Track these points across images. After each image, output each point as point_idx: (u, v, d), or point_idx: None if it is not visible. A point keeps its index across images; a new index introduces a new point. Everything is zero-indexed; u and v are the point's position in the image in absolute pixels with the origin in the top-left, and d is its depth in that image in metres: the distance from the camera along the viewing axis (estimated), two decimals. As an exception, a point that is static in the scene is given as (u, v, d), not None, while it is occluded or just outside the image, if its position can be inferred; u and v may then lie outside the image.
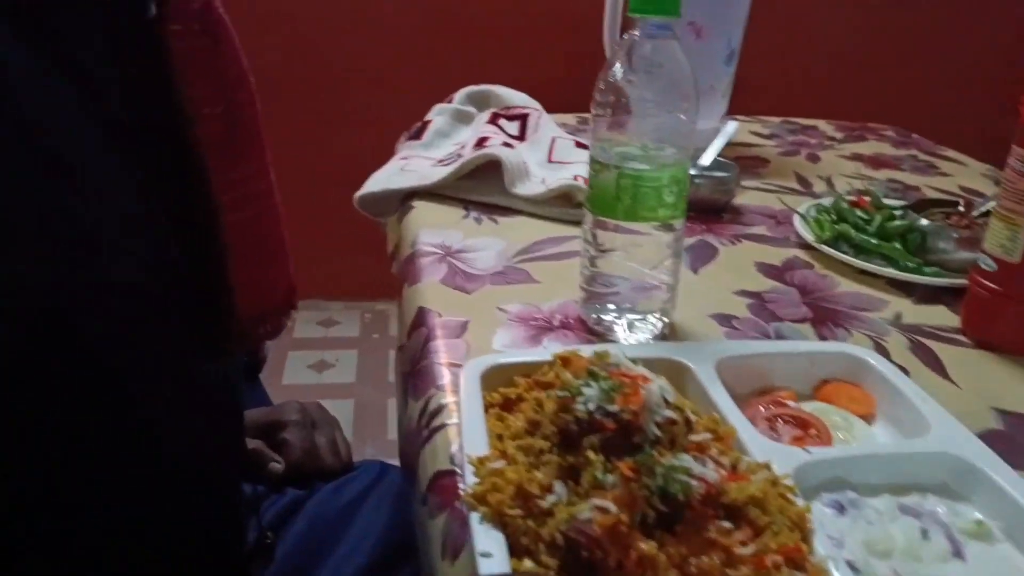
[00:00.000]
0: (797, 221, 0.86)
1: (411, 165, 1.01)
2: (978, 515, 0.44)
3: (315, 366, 2.34)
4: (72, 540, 0.47)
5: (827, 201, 0.90)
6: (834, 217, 0.86)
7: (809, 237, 0.83)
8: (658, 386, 0.42)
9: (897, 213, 0.83)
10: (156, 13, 0.47)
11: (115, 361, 0.45)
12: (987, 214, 0.82)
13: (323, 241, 2.52)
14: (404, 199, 0.97)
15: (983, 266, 0.65)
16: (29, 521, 0.44)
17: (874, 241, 0.79)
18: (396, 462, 0.73)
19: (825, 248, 0.80)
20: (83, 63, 0.43)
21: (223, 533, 0.60)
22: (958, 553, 0.42)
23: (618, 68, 0.60)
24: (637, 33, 0.59)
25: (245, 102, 0.56)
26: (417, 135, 1.08)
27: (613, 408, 0.41)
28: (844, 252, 0.80)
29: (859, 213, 0.85)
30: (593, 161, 0.62)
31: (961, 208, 0.84)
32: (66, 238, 0.42)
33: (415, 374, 0.63)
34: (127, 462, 0.48)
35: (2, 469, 0.42)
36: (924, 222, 0.80)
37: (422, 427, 0.57)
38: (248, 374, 0.89)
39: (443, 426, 0.55)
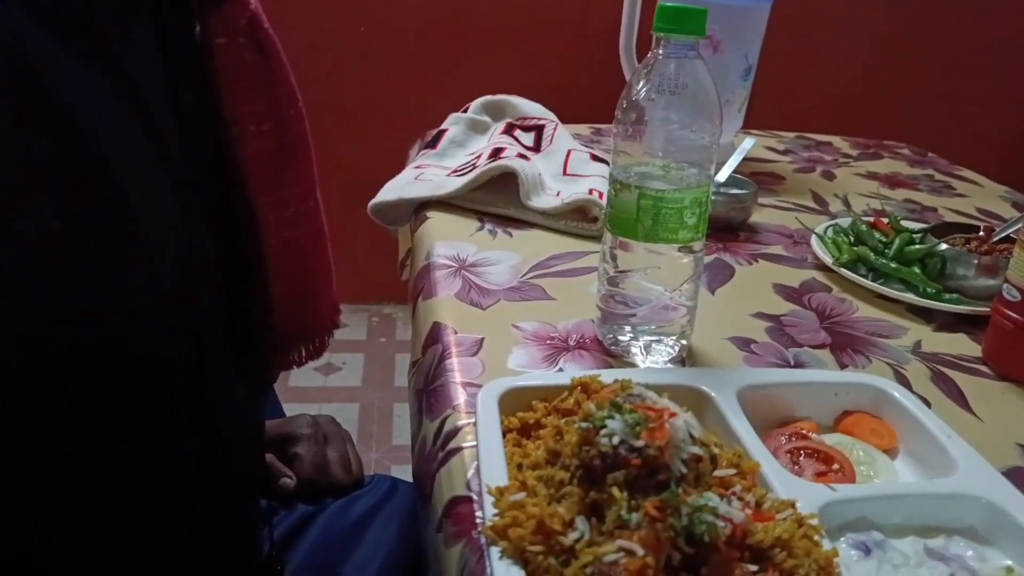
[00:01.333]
0: (815, 242, 0.85)
1: (426, 174, 1.00)
2: (1008, 562, 0.43)
3: (321, 369, 2.33)
4: (91, 546, 0.46)
5: (844, 222, 0.89)
6: (852, 239, 0.85)
7: (827, 259, 0.82)
8: (684, 421, 0.42)
9: (916, 236, 0.82)
10: (201, 27, 0.47)
11: (164, 368, 0.45)
12: (1007, 239, 0.81)
13: (332, 245, 2.51)
14: (418, 209, 0.96)
15: (1007, 296, 0.64)
16: (50, 524, 0.44)
17: (893, 265, 0.78)
18: (403, 468, 0.72)
19: (843, 271, 0.79)
20: (131, 76, 0.43)
21: (238, 545, 0.59)
22: (987, 600, 0.41)
23: (641, 87, 0.59)
24: (661, 52, 0.58)
25: (294, 119, 0.56)
26: (432, 144, 1.07)
27: (638, 443, 0.40)
28: (862, 275, 0.79)
29: (878, 235, 0.84)
30: (614, 180, 0.61)
31: (982, 233, 0.83)
32: (123, 255, 0.42)
33: (430, 393, 0.62)
34: (156, 470, 0.47)
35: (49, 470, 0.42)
36: (944, 247, 0.79)
37: (437, 449, 0.56)
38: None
39: (459, 449, 0.54)
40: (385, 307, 2.63)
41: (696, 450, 0.41)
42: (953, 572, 0.42)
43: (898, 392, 0.55)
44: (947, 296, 0.75)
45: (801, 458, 0.50)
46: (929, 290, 0.76)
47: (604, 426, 0.42)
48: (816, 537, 0.41)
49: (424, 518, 0.56)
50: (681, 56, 0.58)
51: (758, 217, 0.98)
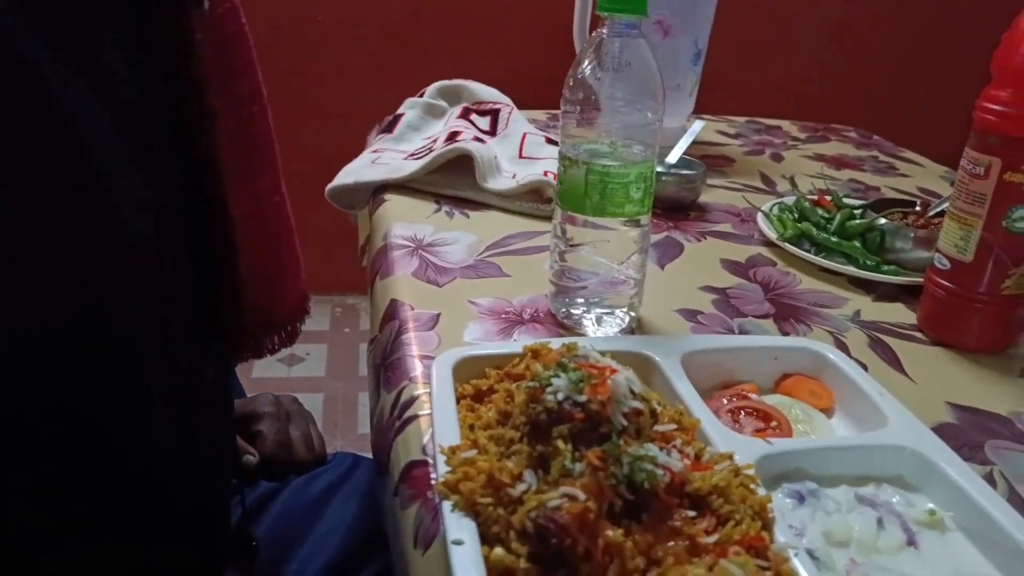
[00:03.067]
0: (761, 219, 0.88)
1: (383, 158, 1.01)
2: (931, 505, 0.46)
3: (285, 359, 2.33)
4: (62, 521, 0.47)
5: (790, 200, 0.92)
6: (796, 216, 0.88)
7: (772, 235, 0.84)
8: (625, 377, 0.43)
9: (857, 212, 0.85)
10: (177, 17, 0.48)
11: (135, 343, 0.46)
12: (943, 214, 0.85)
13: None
14: (375, 192, 0.97)
15: (938, 265, 0.68)
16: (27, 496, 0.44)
17: (835, 240, 0.81)
18: (368, 456, 0.73)
19: (787, 246, 0.82)
20: (101, 61, 0.43)
21: (210, 520, 0.60)
22: (912, 542, 0.44)
23: (587, 65, 0.61)
24: (605, 31, 0.60)
25: (258, 115, 0.57)
26: (388, 129, 1.08)
27: (581, 398, 0.42)
28: (806, 250, 0.82)
29: (820, 212, 0.87)
30: (563, 157, 0.63)
31: (918, 208, 0.86)
32: (97, 231, 0.43)
33: (387, 367, 0.63)
34: (130, 447, 0.48)
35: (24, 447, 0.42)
36: (883, 221, 0.82)
37: (394, 418, 0.57)
38: None
39: (415, 417, 0.55)
40: (348, 297, 2.62)
41: (637, 404, 0.43)
42: (881, 516, 0.45)
43: (834, 355, 0.58)
44: (886, 268, 0.79)
45: (741, 416, 0.53)
46: (869, 262, 0.79)
47: (550, 384, 0.43)
48: (752, 485, 0.43)
49: (382, 487, 0.57)
50: (624, 35, 0.60)
51: (708, 197, 1.00)
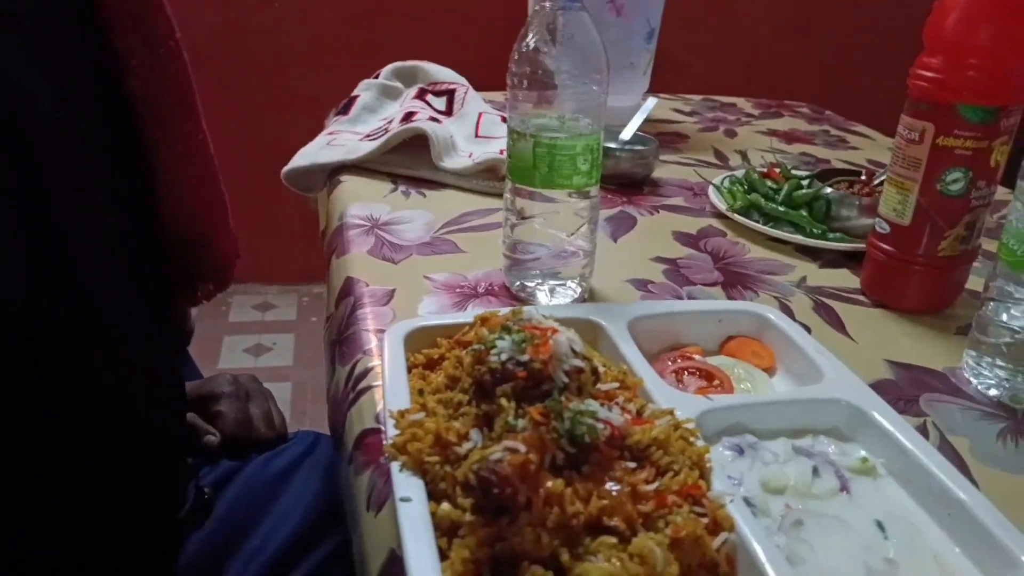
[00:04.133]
0: (711, 192, 0.90)
1: (338, 140, 1.01)
2: (864, 453, 0.48)
3: (251, 350, 2.32)
4: (14, 505, 0.47)
5: (740, 173, 0.94)
6: (746, 187, 0.90)
7: (722, 206, 0.86)
8: (566, 337, 0.45)
9: (804, 183, 0.87)
10: None
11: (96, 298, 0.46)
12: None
13: (259, 225, 2.48)
14: (331, 174, 0.97)
15: (879, 229, 0.70)
16: None
17: (782, 209, 0.83)
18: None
19: (737, 216, 0.84)
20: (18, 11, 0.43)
21: (163, 501, 0.60)
22: (845, 488, 0.46)
23: (531, 39, 0.62)
24: (548, 4, 0.61)
25: (174, 52, 0.56)
26: (344, 110, 1.08)
27: (524, 358, 0.43)
28: (755, 220, 0.84)
29: (769, 183, 0.89)
30: (511, 131, 0.64)
31: (863, 177, 0.88)
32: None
33: (342, 342, 0.64)
34: (80, 423, 0.48)
35: None
36: (829, 191, 0.84)
37: (348, 391, 0.58)
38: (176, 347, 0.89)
39: (369, 388, 0.56)
40: (315, 287, 2.61)
41: (578, 363, 0.44)
42: (816, 465, 0.47)
43: (775, 316, 0.60)
44: (831, 235, 0.81)
45: (685, 376, 0.55)
46: (815, 231, 0.81)
47: (494, 346, 0.45)
48: (691, 438, 0.45)
49: (338, 458, 0.58)
50: (567, 8, 0.61)
51: (661, 172, 1.02)
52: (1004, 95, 0.62)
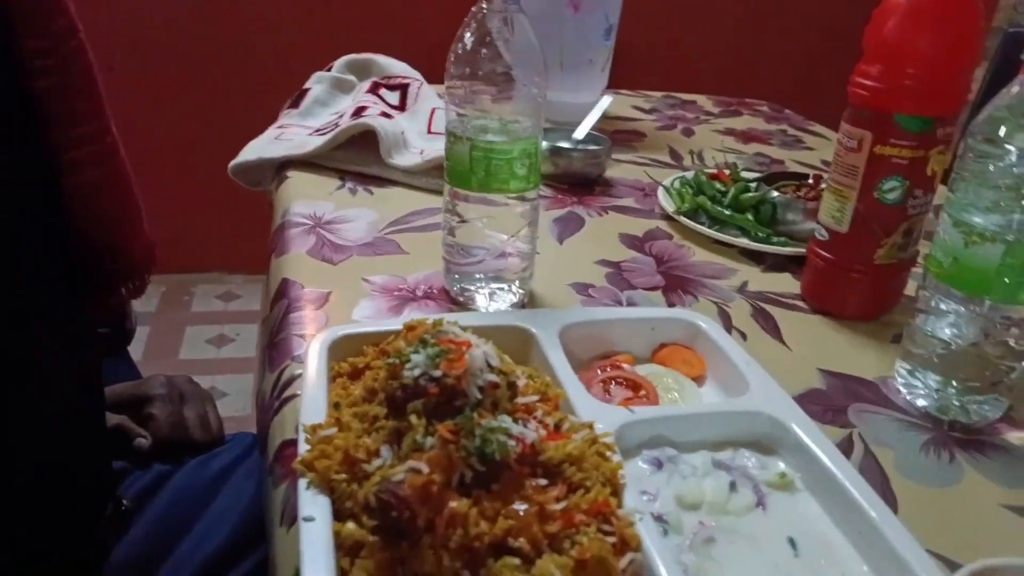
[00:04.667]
0: (660, 193, 0.90)
1: (287, 134, 0.99)
2: (783, 467, 0.48)
3: (214, 340, 2.29)
4: None
5: (690, 175, 0.94)
6: (694, 190, 0.89)
7: (669, 208, 0.86)
8: (482, 351, 0.44)
9: (752, 186, 0.87)
10: None
11: None
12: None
13: (222, 215, 2.45)
14: (279, 168, 0.96)
15: (818, 236, 0.70)
16: None
17: (728, 212, 0.83)
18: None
19: (683, 219, 0.84)
20: None
21: (77, 508, 0.59)
22: (761, 503, 0.45)
23: (468, 40, 0.61)
24: (485, 6, 0.60)
25: (77, 51, 0.54)
26: (295, 104, 1.06)
27: (437, 373, 0.42)
28: (701, 223, 0.83)
29: (717, 186, 0.88)
30: (449, 133, 0.63)
31: (810, 181, 0.89)
32: None
33: (273, 346, 0.63)
34: None
35: None
36: (775, 194, 0.84)
37: (274, 399, 0.57)
38: (114, 347, 0.87)
39: (294, 396, 0.55)
40: (279, 277, 2.58)
41: (492, 378, 0.43)
42: (734, 479, 0.46)
43: (706, 324, 0.59)
44: (776, 239, 0.81)
45: (612, 386, 0.54)
46: (760, 234, 0.81)
47: (409, 360, 0.44)
48: (608, 453, 0.44)
49: (262, 467, 0.57)
50: (504, 10, 0.60)
51: (615, 172, 1.02)
52: (941, 105, 0.62)
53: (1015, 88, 0.53)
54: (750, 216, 0.82)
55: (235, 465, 0.74)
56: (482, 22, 0.61)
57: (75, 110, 0.54)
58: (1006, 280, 0.52)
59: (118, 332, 0.85)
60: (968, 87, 0.63)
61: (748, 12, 2.49)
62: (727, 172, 0.92)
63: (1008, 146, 0.52)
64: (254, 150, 0.97)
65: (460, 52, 0.61)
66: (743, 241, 0.81)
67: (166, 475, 0.72)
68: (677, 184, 0.92)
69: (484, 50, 0.61)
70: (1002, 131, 0.52)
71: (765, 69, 2.48)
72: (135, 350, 0.97)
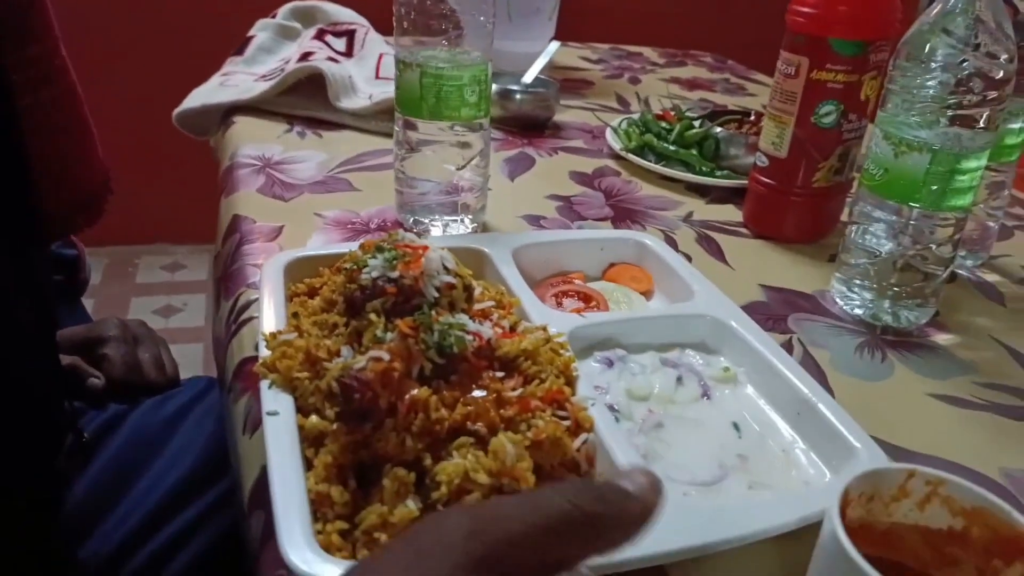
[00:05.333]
0: (608, 133, 0.91)
1: (232, 80, 0.98)
2: (726, 363, 0.50)
3: (161, 311, 2.25)
4: None
5: (636, 115, 0.96)
6: (641, 129, 0.91)
7: (617, 146, 0.88)
8: (439, 255, 0.45)
9: (695, 123, 0.89)
10: None
11: None
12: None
13: (165, 185, 2.39)
14: (225, 115, 0.95)
15: (759, 163, 0.72)
16: None
17: (673, 148, 0.85)
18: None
19: (631, 156, 0.86)
20: None
21: (36, 446, 0.59)
22: (706, 394, 0.48)
23: (416, -31, 0.61)
24: (432, -67, 0.60)
25: None
26: (239, 51, 1.05)
27: (394, 275, 0.44)
28: (648, 160, 0.86)
29: (663, 125, 0.91)
30: (398, 61, 0.64)
31: (752, 118, 0.91)
32: None
33: (227, 277, 0.63)
34: None
35: None
36: (718, 130, 0.86)
37: (231, 323, 0.58)
38: (68, 296, 0.86)
39: (251, 319, 0.56)
40: (227, 246, 2.55)
41: (449, 279, 0.45)
42: (681, 374, 0.49)
43: (652, 242, 0.61)
44: (719, 173, 0.83)
45: (564, 299, 0.56)
46: (704, 168, 0.83)
47: (366, 265, 0.45)
48: (561, 350, 0.46)
49: (222, 393, 0.57)
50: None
51: (564, 116, 1.03)
52: (873, 29, 0.65)
53: (937, 7, 0.55)
54: (695, 152, 0.85)
55: (192, 405, 0.74)
56: (429, -48, 0.61)
57: (24, 30, 0.53)
58: (933, 187, 0.56)
59: (73, 281, 0.84)
60: (897, 12, 0.66)
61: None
62: (672, 112, 0.94)
63: (931, 62, 0.55)
64: (198, 97, 0.96)
65: (407, -18, 0.61)
66: (688, 175, 0.83)
67: (122, 414, 0.72)
68: (624, 125, 0.94)
69: (431, -21, 0.61)
70: (926, 48, 0.55)
71: (710, 22, 2.51)
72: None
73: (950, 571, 0.34)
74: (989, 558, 0.33)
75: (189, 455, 0.69)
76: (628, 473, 0.27)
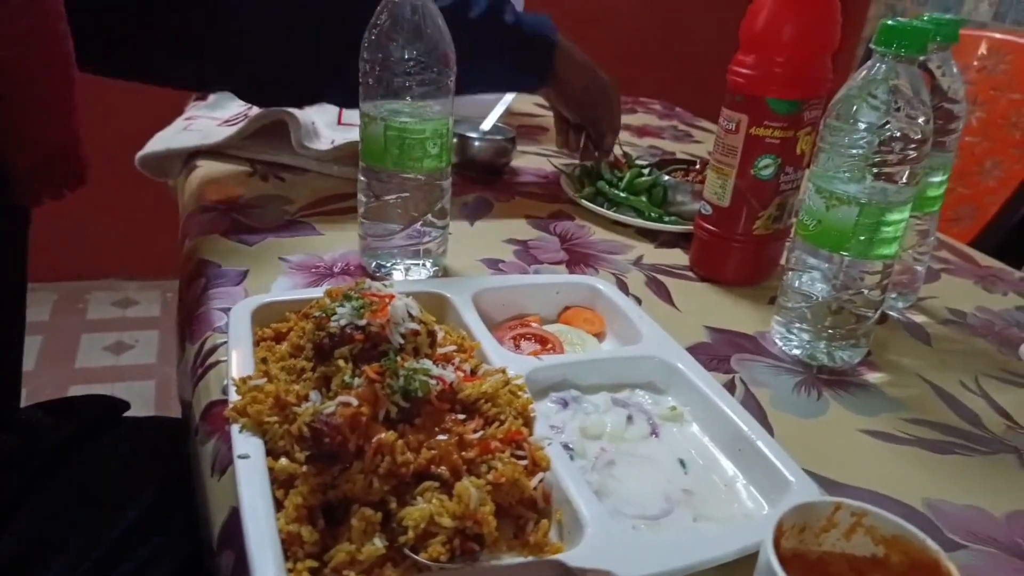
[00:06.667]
0: (563, 179, 0.95)
1: (195, 125, 1.00)
2: (673, 403, 0.54)
3: (112, 348, 2.22)
4: None
5: (589, 163, 1.00)
6: (593, 176, 0.96)
7: (571, 192, 0.92)
8: (404, 303, 0.48)
9: (645, 171, 0.94)
10: None
11: None
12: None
13: (115, 220, 2.38)
14: (188, 159, 0.96)
15: (703, 211, 0.77)
16: None
17: (623, 195, 0.90)
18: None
19: (584, 202, 0.90)
20: None
21: None
22: (655, 432, 0.51)
23: (381, 27, 0.64)
24: (396, -5, 0.64)
25: None
26: (202, 96, 1.07)
27: (362, 322, 0.46)
28: (600, 205, 0.90)
29: (616, 172, 0.95)
30: (363, 114, 0.67)
31: (697, 166, 0.96)
32: None
33: (192, 320, 0.65)
34: None
35: None
36: (666, 178, 0.91)
37: (197, 366, 0.59)
38: None
39: (217, 363, 0.57)
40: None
41: (413, 326, 0.47)
42: (631, 413, 0.52)
43: (604, 287, 0.65)
44: (667, 219, 0.88)
45: (522, 342, 0.59)
46: (652, 214, 0.88)
47: (335, 313, 0.47)
48: (519, 392, 0.49)
49: (189, 435, 0.58)
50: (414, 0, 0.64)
51: (520, 162, 1.07)
52: (806, 89, 0.70)
53: (862, 72, 0.61)
54: (644, 198, 0.89)
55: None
56: (393, 10, 0.65)
57: None
58: (861, 237, 0.60)
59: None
60: (828, 73, 0.71)
61: (643, 18, 2.62)
62: (623, 160, 0.99)
63: (858, 123, 0.60)
64: (162, 141, 0.97)
65: (372, 39, 0.65)
66: (638, 221, 0.87)
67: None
68: (577, 172, 0.98)
69: (395, 37, 0.65)
70: (853, 110, 0.60)
71: (658, 71, 2.61)
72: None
73: (874, 595, 0.37)
74: (908, 582, 0.36)
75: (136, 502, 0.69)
76: None
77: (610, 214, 0.88)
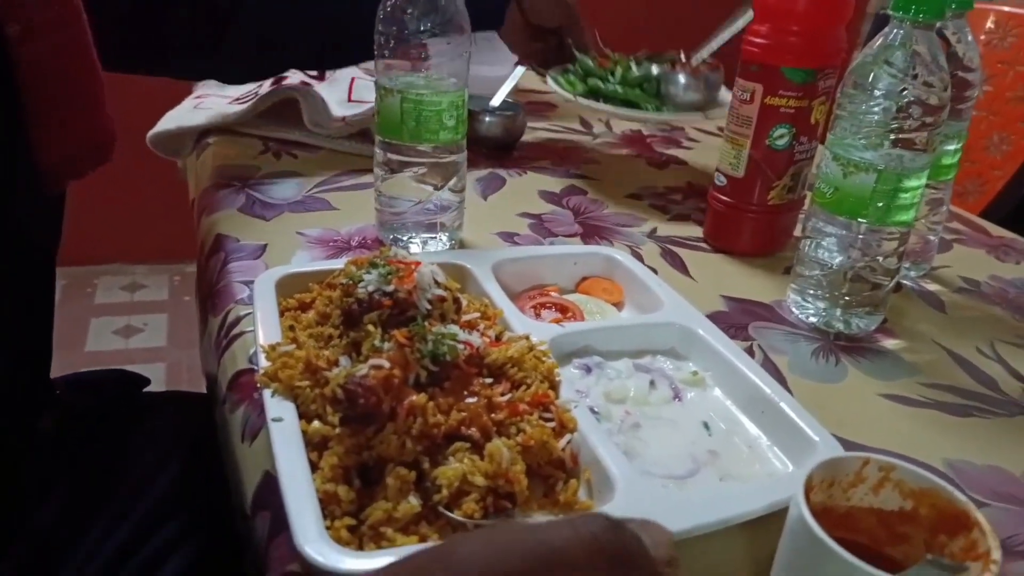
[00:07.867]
0: (550, 82, 0.96)
1: (206, 103, 1.00)
2: (694, 367, 0.54)
3: (121, 331, 2.23)
4: None
5: (572, 65, 1.00)
6: (582, 74, 0.96)
7: (567, 95, 0.93)
8: (430, 270, 0.48)
9: (632, 65, 0.95)
10: None
11: None
12: (705, 62, 0.96)
13: (122, 205, 2.38)
14: (199, 137, 0.97)
15: (717, 183, 0.77)
16: None
17: (620, 90, 0.91)
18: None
19: (582, 100, 0.91)
20: None
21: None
22: (677, 396, 0.52)
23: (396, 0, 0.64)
24: (411, -31, 0.64)
25: None
26: (212, 75, 1.06)
27: (389, 288, 0.46)
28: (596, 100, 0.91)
29: (604, 69, 0.96)
30: (379, 87, 0.67)
31: (682, 59, 0.97)
32: None
33: (214, 294, 0.65)
34: None
35: None
36: (656, 70, 0.92)
37: (222, 338, 0.60)
38: None
39: (242, 334, 0.58)
40: (187, 266, 2.53)
41: (440, 292, 0.48)
42: (653, 378, 0.52)
43: (622, 257, 0.65)
44: (666, 109, 0.90)
45: (542, 310, 0.59)
46: (651, 107, 0.90)
47: (362, 280, 0.48)
48: (544, 357, 0.49)
49: (216, 405, 0.59)
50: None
51: (530, 137, 1.07)
52: (821, 58, 0.70)
53: (879, 39, 0.61)
54: (639, 91, 0.91)
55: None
56: (408, -17, 0.65)
57: None
58: (879, 204, 0.60)
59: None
60: (842, 43, 0.71)
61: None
62: (606, 60, 0.99)
63: (875, 90, 0.60)
64: (173, 119, 0.97)
65: (387, 11, 0.65)
66: (640, 114, 0.90)
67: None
68: (561, 75, 0.98)
69: (410, 9, 0.65)
70: (870, 77, 0.60)
71: (675, 38, 2.60)
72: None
73: (902, 547, 0.38)
74: (936, 534, 0.37)
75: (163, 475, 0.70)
76: (644, 526, 0.27)
77: (611, 109, 0.90)
